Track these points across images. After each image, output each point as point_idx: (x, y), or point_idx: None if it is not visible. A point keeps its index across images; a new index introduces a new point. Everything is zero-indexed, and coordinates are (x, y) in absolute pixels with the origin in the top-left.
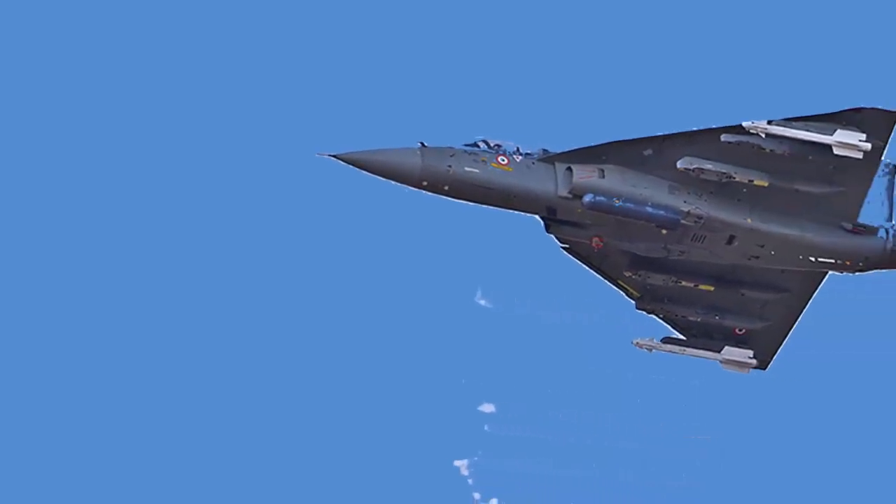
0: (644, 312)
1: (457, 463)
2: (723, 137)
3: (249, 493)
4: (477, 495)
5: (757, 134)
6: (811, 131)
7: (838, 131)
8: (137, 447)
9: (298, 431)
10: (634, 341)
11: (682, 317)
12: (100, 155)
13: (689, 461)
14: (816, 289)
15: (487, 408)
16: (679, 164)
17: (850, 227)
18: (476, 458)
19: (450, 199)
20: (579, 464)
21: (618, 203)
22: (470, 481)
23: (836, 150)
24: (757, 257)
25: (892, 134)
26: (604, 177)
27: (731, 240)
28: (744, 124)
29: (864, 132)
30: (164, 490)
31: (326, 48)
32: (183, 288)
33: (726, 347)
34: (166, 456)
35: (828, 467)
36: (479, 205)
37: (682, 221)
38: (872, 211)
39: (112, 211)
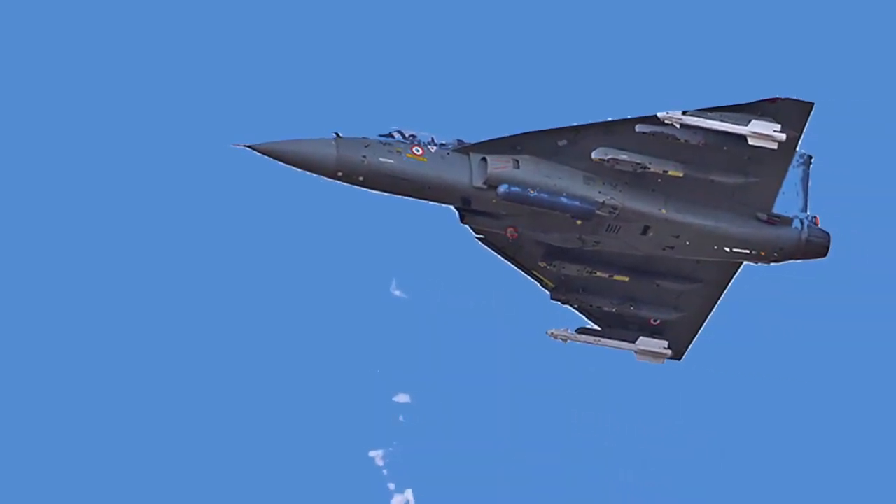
0: (559, 303)
1: (371, 453)
2: (638, 128)
3: (166, 483)
4: (392, 485)
5: (672, 124)
6: (726, 122)
7: (753, 122)
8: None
9: (211, 422)
10: (549, 332)
11: (597, 307)
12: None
13: (604, 451)
14: (731, 279)
15: (402, 398)
16: (594, 155)
17: (764, 217)
18: (391, 449)
19: (364, 189)
20: (494, 454)
21: (532, 193)
22: (385, 472)
23: (751, 141)
24: (672, 248)
25: (807, 124)
26: (518, 167)
27: (645, 230)
28: (659, 115)
29: (779, 123)
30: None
31: (240, 40)
32: (99, 281)
33: (641, 338)
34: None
35: (741, 458)
36: (394, 195)
37: (597, 212)
38: (787, 201)
39: (17, 208)
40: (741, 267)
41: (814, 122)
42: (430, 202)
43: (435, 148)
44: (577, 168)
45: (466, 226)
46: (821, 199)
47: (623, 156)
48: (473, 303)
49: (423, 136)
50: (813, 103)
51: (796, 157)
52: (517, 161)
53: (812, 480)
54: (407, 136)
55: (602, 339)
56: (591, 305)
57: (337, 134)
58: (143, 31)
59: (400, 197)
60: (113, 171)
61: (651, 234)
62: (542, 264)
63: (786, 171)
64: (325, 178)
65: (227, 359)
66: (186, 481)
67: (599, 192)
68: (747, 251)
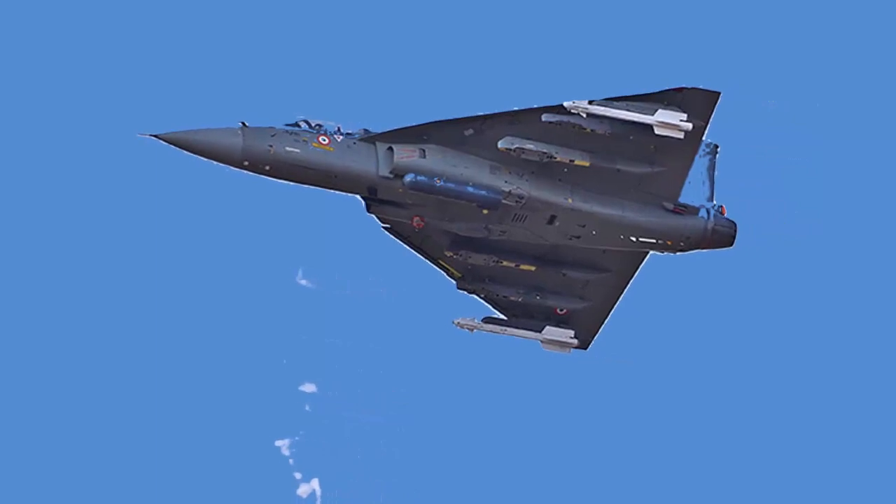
0: (465, 292)
1: (278, 443)
2: (544, 117)
3: (70, 472)
4: (298, 475)
5: (578, 114)
6: (632, 111)
7: (659, 111)
8: None
9: (117, 413)
10: (455, 321)
11: (504, 297)
12: None
13: (512, 441)
14: (638, 269)
15: (308, 388)
16: (500, 145)
17: (671, 207)
18: (297, 438)
19: (271, 178)
20: (401, 444)
21: (439, 183)
22: (291, 461)
23: (657, 130)
24: (578, 237)
25: (713, 114)
26: (425, 157)
27: (552, 220)
28: (565, 104)
29: (685, 112)
30: None
31: (145, 29)
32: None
33: (547, 327)
34: None
35: (645, 448)
36: (301, 185)
37: (503, 201)
38: (693, 191)
39: None
40: (647, 256)
41: (720, 112)
42: (337, 192)
43: (341, 137)
44: (484, 157)
45: (373, 215)
46: (727, 188)
47: (529, 145)
48: (380, 292)
49: (330, 125)
50: (719, 93)
51: (702, 146)
52: (423, 150)
53: (712, 468)
54: (313, 125)
55: (508, 329)
56: (497, 295)
57: (243, 123)
58: (46, 23)
59: (306, 186)
60: (20, 162)
61: (557, 223)
62: (449, 254)
63: (692, 160)
64: (232, 168)
65: (133, 350)
66: (92, 472)
67: (506, 182)
68: (653, 240)
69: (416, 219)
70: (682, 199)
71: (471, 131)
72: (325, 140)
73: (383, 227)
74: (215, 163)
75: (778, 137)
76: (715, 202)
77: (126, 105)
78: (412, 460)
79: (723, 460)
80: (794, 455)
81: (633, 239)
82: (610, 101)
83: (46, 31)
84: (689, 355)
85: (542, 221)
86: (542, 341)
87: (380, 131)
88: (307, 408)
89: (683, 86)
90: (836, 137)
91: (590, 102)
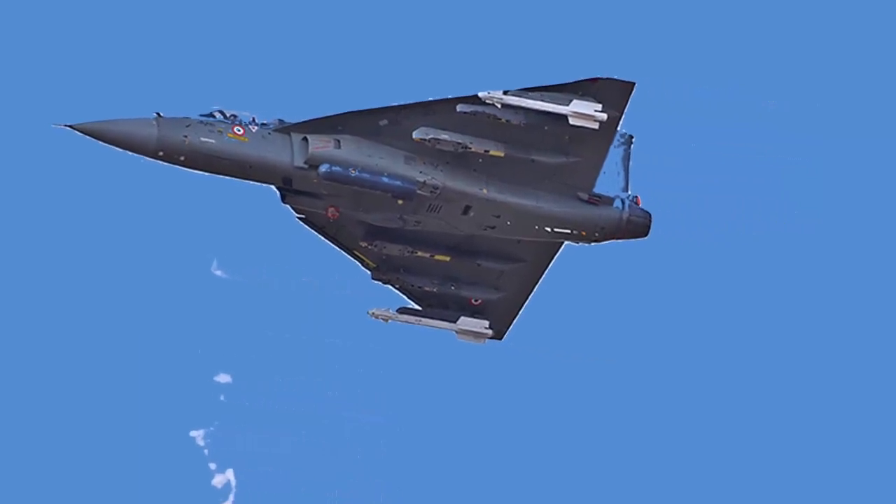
0: (380, 283)
1: (193, 433)
2: (459, 108)
3: None
4: (213, 465)
5: (493, 104)
6: (547, 101)
7: (574, 101)
8: None
9: (28, 403)
10: (370, 311)
11: (418, 287)
12: None
13: (425, 430)
14: (552, 259)
15: (223, 378)
16: (415, 135)
17: (585, 197)
18: (212, 429)
19: (186, 169)
20: (316, 434)
21: (354, 173)
22: (206, 451)
23: (571, 121)
24: (493, 227)
25: (628, 104)
26: (340, 147)
27: (466, 210)
28: (480, 94)
29: (600, 102)
30: None
31: (57, 19)
32: None
33: (462, 318)
34: None
35: (557, 437)
36: (215, 175)
37: (418, 192)
38: (608, 181)
39: None
40: (562, 247)
41: (634, 102)
42: (252, 182)
43: (256, 128)
44: (399, 148)
45: (288, 206)
46: (642, 178)
47: (444, 135)
48: (295, 283)
49: (245, 115)
50: (634, 83)
51: (617, 136)
52: (338, 141)
53: (626, 458)
54: (228, 115)
55: (423, 319)
56: (412, 285)
57: (158, 114)
58: None
59: (221, 177)
60: None
61: (472, 213)
62: (364, 244)
63: (607, 150)
64: (147, 158)
65: (47, 338)
66: (4, 462)
67: (420, 172)
68: (568, 231)
69: (330, 209)
70: (596, 190)
71: (385, 122)
72: (240, 130)
73: (298, 218)
74: (130, 153)
75: (693, 128)
76: (630, 193)
77: (40, 95)
78: (326, 450)
79: (634, 448)
80: (695, 443)
81: (548, 229)
82: (525, 92)
83: None
84: (603, 345)
85: (457, 212)
86: (456, 331)
87: (295, 122)
88: (222, 398)
89: (598, 76)
90: (749, 127)
91: (504, 93)
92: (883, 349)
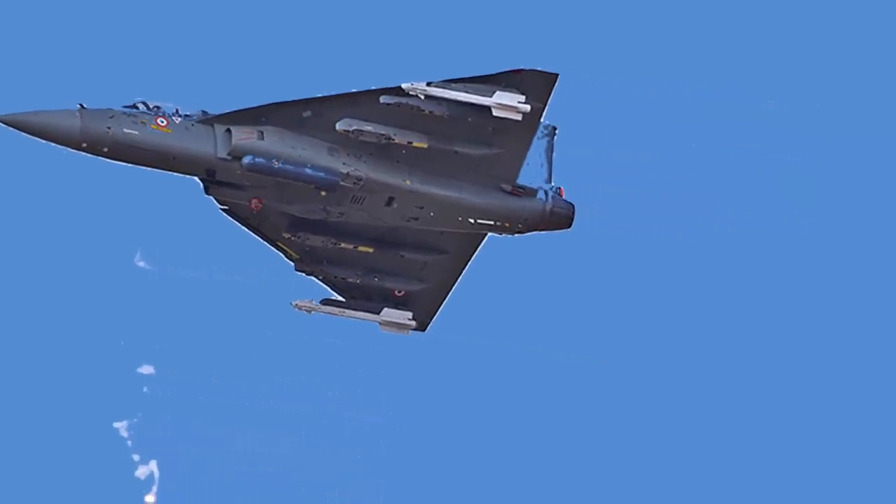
0: (303, 274)
1: (116, 425)
2: (382, 99)
3: None
4: (136, 457)
5: (416, 95)
6: (470, 93)
7: (498, 93)
8: None
9: None
10: (294, 303)
11: (342, 278)
12: None
13: (349, 421)
14: (476, 251)
15: (147, 370)
16: (338, 126)
17: (509, 188)
18: (135, 420)
19: (109, 160)
20: (239, 426)
21: (277, 165)
22: (129, 443)
23: (495, 112)
24: (416, 219)
25: (552, 96)
26: (263, 138)
27: (390, 201)
28: (403, 86)
29: (523, 94)
30: None
31: None
32: None
33: (385, 309)
34: None
35: (480, 429)
36: (139, 166)
37: (341, 183)
38: (532, 173)
39: None
40: (486, 238)
41: (558, 94)
42: (175, 173)
43: (179, 119)
44: (322, 139)
45: (211, 197)
46: (565, 170)
47: (367, 127)
48: (218, 274)
49: (168, 107)
50: (557, 74)
51: (540, 128)
52: (262, 132)
53: (547, 447)
54: (151, 107)
55: (347, 311)
56: (335, 277)
57: (81, 105)
58: None
59: (144, 168)
60: None
61: (396, 205)
62: (287, 235)
63: (530, 142)
64: (70, 150)
65: None
66: None
67: (344, 164)
68: (492, 222)
69: (254, 200)
70: (520, 181)
71: (309, 113)
72: (163, 122)
73: (221, 209)
74: (54, 144)
75: (616, 120)
76: (553, 184)
77: None
78: (250, 441)
79: (556, 439)
80: (616, 431)
81: (471, 220)
82: (448, 83)
83: None
84: (526, 336)
85: (381, 203)
86: (380, 323)
87: (218, 113)
88: (145, 390)
89: (521, 68)
90: (671, 119)
91: (428, 84)
92: (821, 339)
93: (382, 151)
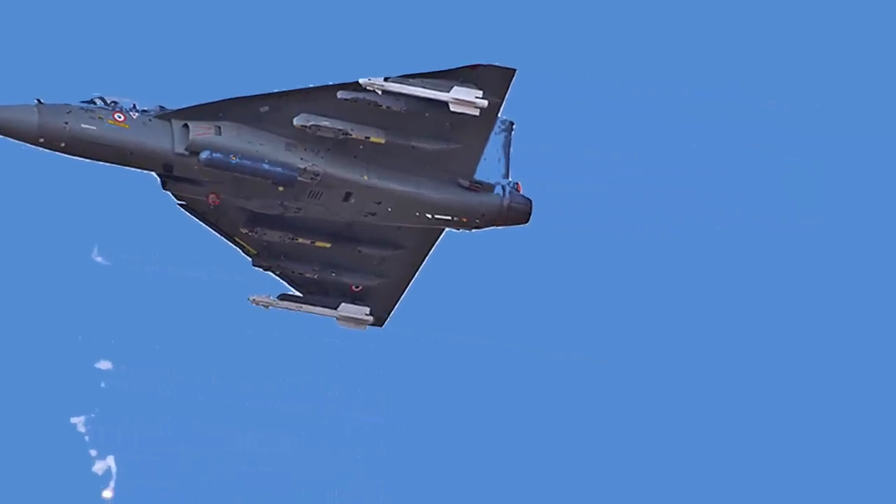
0: (261, 269)
1: (73, 420)
2: (339, 94)
3: None
4: (94, 452)
5: (374, 91)
6: (428, 88)
7: (455, 88)
8: None
9: None
10: (251, 298)
11: (299, 274)
12: None
13: (307, 417)
14: (433, 246)
15: (104, 365)
16: (296, 122)
17: (466, 184)
18: (93, 415)
19: (67, 156)
20: (197, 421)
21: (234, 160)
22: (87, 438)
23: (452, 107)
24: (374, 214)
25: (509, 91)
26: (220, 134)
27: (347, 196)
28: (360, 81)
29: (480, 89)
30: None
31: None
32: None
33: (343, 304)
34: None
35: (439, 423)
36: (96, 161)
37: (299, 178)
38: (489, 168)
39: None
40: (443, 233)
41: (515, 89)
42: (133, 168)
43: (137, 114)
44: (280, 135)
45: (168, 192)
46: (522, 165)
47: (325, 122)
48: (176, 269)
49: (125, 102)
50: (514, 70)
51: (498, 123)
52: (219, 127)
53: (504, 442)
54: (109, 102)
55: (304, 306)
56: (292, 272)
57: (38, 100)
58: None
59: (102, 163)
60: None
61: (353, 200)
62: (245, 231)
63: (487, 137)
64: (27, 145)
65: None
66: None
67: (301, 159)
68: (449, 217)
69: (211, 196)
70: (477, 177)
71: (266, 108)
72: (120, 117)
73: (179, 204)
74: (10, 140)
75: (574, 115)
76: (510, 179)
77: None
78: (209, 436)
79: (516, 435)
80: (573, 427)
81: (429, 216)
82: (405, 79)
83: None
84: (483, 332)
85: (338, 198)
86: (337, 318)
87: (176, 108)
88: (103, 385)
89: (479, 63)
90: (629, 115)
91: (385, 79)
92: (801, 338)
93: (340, 147)
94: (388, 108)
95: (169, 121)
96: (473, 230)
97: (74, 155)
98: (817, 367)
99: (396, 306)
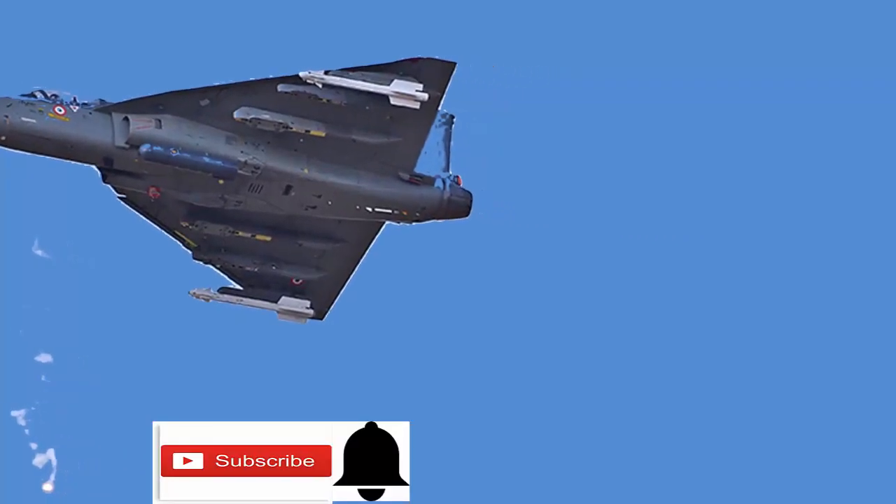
0: (201, 262)
1: (13, 413)
2: (280, 87)
3: None
4: (34, 445)
5: (314, 84)
6: (368, 81)
7: (395, 81)
8: None
9: None
10: (191, 291)
11: (240, 267)
12: None
13: (247, 410)
14: (374, 239)
15: (44, 358)
16: (236, 115)
17: (407, 177)
18: (33, 409)
19: (7, 149)
20: (139, 415)
21: (175, 153)
22: (27, 431)
23: (393, 101)
24: (314, 207)
25: (449, 84)
26: (161, 127)
27: (288, 190)
28: (301, 74)
29: (421, 82)
30: None
31: None
32: None
33: (283, 298)
34: None
35: (380, 417)
36: (37, 154)
37: (239, 171)
38: (429, 161)
39: None
40: (383, 227)
41: (456, 82)
42: (73, 162)
43: (77, 108)
44: (220, 128)
45: (109, 185)
46: (463, 158)
47: (265, 115)
48: (116, 262)
49: (66, 95)
50: (455, 63)
51: (438, 116)
52: (159, 121)
53: (458, 439)
54: (49, 95)
55: (244, 299)
56: (233, 265)
57: None
58: None
59: (42, 156)
60: None
61: (293, 193)
62: (185, 224)
63: (428, 130)
64: None
65: None
66: None
67: (241, 152)
68: (389, 211)
69: (152, 189)
70: (418, 170)
71: (207, 101)
72: (61, 110)
73: (119, 198)
74: None
75: (513, 107)
76: (451, 172)
77: None
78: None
79: (457, 431)
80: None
81: (369, 209)
82: (346, 72)
83: None
84: (422, 324)
85: (279, 192)
86: (278, 311)
87: (116, 101)
88: (43, 378)
89: (419, 56)
90: (569, 106)
91: (326, 73)
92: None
93: (280, 140)
94: (328, 101)
95: (109, 114)
96: (414, 223)
97: (14, 148)
98: (778, 358)
99: (337, 299)
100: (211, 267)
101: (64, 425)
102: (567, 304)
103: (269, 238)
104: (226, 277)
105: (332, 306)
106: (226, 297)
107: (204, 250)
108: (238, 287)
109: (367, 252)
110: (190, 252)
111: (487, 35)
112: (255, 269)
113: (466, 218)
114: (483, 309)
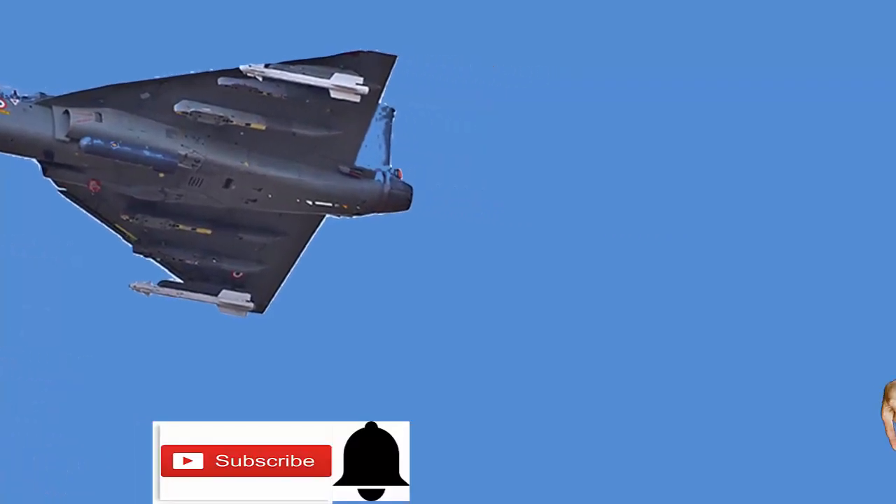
0: (142, 256)
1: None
2: (220, 81)
3: None
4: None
5: (255, 77)
6: (308, 75)
7: (336, 75)
8: None
9: None
10: (132, 285)
11: (180, 260)
12: None
13: (187, 405)
14: (314, 232)
15: None
16: (176, 108)
17: (347, 170)
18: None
19: None
20: (82, 411)
21: (115, 146)
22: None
23: (333, 94)
24: (255, 200)
25: (390, 77)
26: (101, 120)
27: (228, 183)
28: (241, 68)
29: (361, 76)
30: None
31: None
32: None
33: (223, 291)
34: None
35: (319, 412)
36: None
37: (180, 165)
38: (370, 154)
39: None
40: (324, 220)
41: (397, 75)
42: (13, 155)
43: (17, 101)
44: (161, 121)
45: (49, 179)
46: (403, 152)
47: (205, 108)
48: (56, 256)
49: (6, 88)
50: (395, 56)
51: (379, 109)
52: (100, 114)
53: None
54: None
55: (185, 293)
56: (173, 258)
57: None
58: None
59: None
60: None
61: (234, 186)
62: (125, 217)
63: (368, 124)
64: None
65: None
66: None
67: (182, 146)
68: (330, 204)
69: (92, 182)
70: (358, 163)
71: (147, 95)
72: (1, 104)
73: (59, 191)
74: None
75: (454, 99)
76: (391, 166)
77: None
78: (101, 428)
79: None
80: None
81: (310, 202)
82: (287, 65)
83: None
84: (362, 317)
85: (219, 185)
86: (218, 305)
87: (57, 95)
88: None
89: (359, 49)
90: (511, 100)
91: (266, 66)
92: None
93: (220, 133)
94: (268, 94)
95: (50, 107)
96: (354, 217)
97: None
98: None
99: (277, 293)
100: (151, 260)
101: (2, 424)
102: (506, 298)
103: (209, 231)
104: (166, 271)
105: (273, 299)
106: (166, 290)
107: (144, 243)
108: (179, 280)
109: (307, 245)
110: (130, 245)
111: (430, 28)
112: (196, 263)
113: (407, 211)
114: (422, 301)
